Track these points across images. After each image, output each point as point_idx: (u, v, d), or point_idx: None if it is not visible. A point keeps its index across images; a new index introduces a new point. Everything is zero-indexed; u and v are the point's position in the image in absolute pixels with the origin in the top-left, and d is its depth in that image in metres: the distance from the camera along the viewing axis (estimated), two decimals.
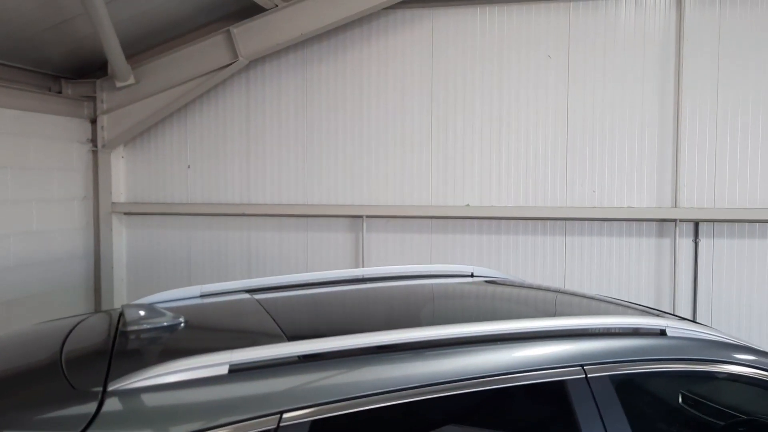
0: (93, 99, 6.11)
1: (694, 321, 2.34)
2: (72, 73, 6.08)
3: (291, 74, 6.06)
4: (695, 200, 5.36)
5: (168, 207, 6.35)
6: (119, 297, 6.41)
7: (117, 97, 6.09)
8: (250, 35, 5.69)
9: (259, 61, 6.02)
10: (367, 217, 5.93)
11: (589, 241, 5.61)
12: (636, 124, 5.44)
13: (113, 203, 6.32)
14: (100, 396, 1.60)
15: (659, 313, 2.54)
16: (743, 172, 5.28)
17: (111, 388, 1.62)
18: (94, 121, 6.15)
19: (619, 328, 2.06)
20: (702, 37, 5.28)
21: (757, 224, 5.29)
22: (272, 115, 6.12)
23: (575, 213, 5.53)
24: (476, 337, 1.88)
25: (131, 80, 5.89)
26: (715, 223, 5.36)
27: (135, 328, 2.03)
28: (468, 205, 5.75)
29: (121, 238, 6.45)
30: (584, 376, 1.84)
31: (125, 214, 6.45)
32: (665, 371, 1.99)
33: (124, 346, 1.93)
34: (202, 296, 2.67)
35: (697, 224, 5.40)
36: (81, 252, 6.10)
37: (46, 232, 5.66)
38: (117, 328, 2.08)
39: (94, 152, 6.20)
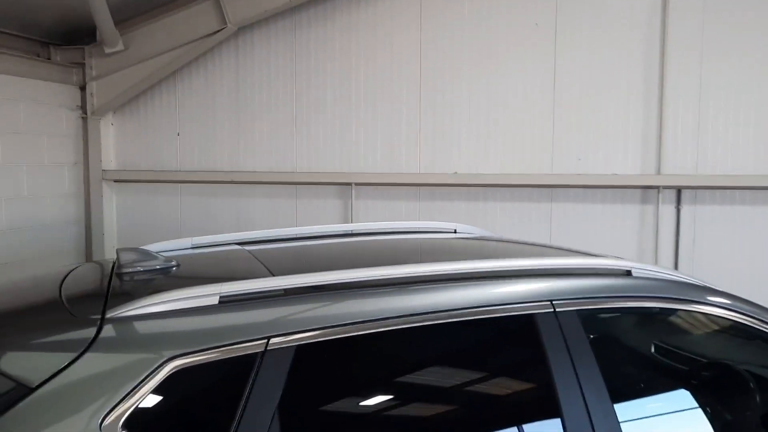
0: (82, 66, 6.13)
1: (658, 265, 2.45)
2: (60, 40, 6.08)
3: (280, 41, 6.09)
4: (678, 167, 5.45)
5: (158, 174, 6.41)
6: None
7: (106, 63, 6.10)
8: (239, 1, 5.71)
9: (248, 28, 6.04)
10: (356, 184, 6.00)
11: (573, 207, 5.71)
12: (621, 92, 5.51)
13: (103, 170, 6.37)
14: (98, 322, 1.68)
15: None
16: (726, 140, 5.37)
17: (109, 315, 1.71)
18: (83, 88, 6.18)
19: (587, 268, 2.16)
20: (687, 4, 5.34)
21: (738, 191, 5.40)
22: (261, 82, 6.16)
23: (560, 180, 5.62)
24: (451, 274, 1.98)
25: (120, 46, 5.91)
26: (698, 190, 5.47)
27: (130, 270, 2.11)
28: (456, 172, 5.83)
29: (111, 205, 6.51)
30: (552, 310, 1.94)
31: (115, 181, 6.50)
32: (630, 308, 2.10)
33: (120, 284, 2.01)
34: (194, 247, 2.76)
35: (679, 191, 5.50)
36: (72, 218, 6.15)
37: (37, 198, 5.71)
38: (112, 270, 2.16)
39: (84, 119, 6.23)
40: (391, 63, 5.89)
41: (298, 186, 6.17)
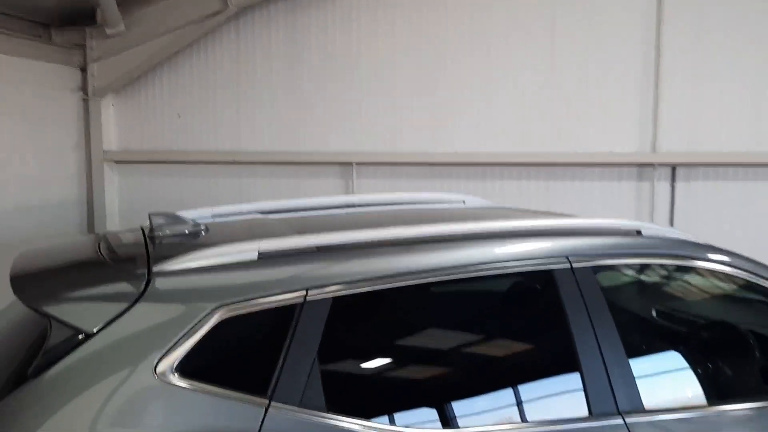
0: (83, 47, 6.16)
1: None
2: (61, 21, 6.09)
3: (281, 22, 6.14)
4: (673, 145, 5.59)
5: (159, 155, 6.46)
6: None
7: (107, 45, 6.13)
8: None
9: (248, 9, 6.09)
10: (357, 164, 6.09)
11: (571, 185, 5.84)
12: (619, 72, 5.63)
13: (104, 151, 6.41)
14: (146, 276, 1.78)
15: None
16: (719, 118, 5.51)
17: (155, 269, 1.80)
18: (84, 70, 6.20)
19: (600, 228, 2.28)
20: None
21: (731, 168, 5.55)
22: (262, 63, 6.22)
23: (559, 158, 5.74)
24: (476, 233, 2.09)
25: (121, 27, 5.94)
26: (692, 167, 5.61)
27: (162, 233, 2.20)
28: (456, 151, 5.94)
29: (113, 186, 6.56)
30: (569, 266, 2.05)
31: (116, 162, 6.54)
32: (640, 264, 2.23)
33: (155, 245, 2.10)
34: (214, 216, 2.84)
35: (674, 168, 5.65)
36: (75, 199, 6.20)
37: (41, 179, 5.75)
38: (145, 234, 2.25)
39: (85, 100, 6.26)
40: (392, 45, 5.96)
41: (299, 166, 6.24)
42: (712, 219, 5.58)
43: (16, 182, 5.45)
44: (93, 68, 6.17)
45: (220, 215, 2.87)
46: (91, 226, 6.32)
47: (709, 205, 5.61)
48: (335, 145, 6.16)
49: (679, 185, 5.64)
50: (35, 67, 5.65)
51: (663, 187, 5.66)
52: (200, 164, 6.42)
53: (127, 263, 1.96)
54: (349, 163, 6.09)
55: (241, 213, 2.89)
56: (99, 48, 6.16)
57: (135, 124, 6.50)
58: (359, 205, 3.17)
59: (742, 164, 5.48)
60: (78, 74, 6.18)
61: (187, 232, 2.25)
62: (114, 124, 6.50)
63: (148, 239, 2.20)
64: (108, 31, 5.93)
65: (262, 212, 2.85)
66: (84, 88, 6.22)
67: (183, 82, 6.38)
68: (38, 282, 1.86)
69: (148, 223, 2.31)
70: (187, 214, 2.81)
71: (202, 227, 2.30)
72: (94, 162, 6.30)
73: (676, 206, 5.65)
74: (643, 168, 5.69)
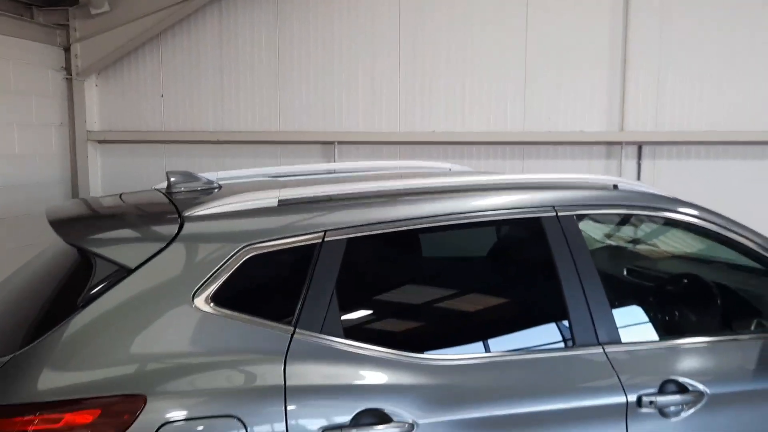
0: (66, 27, 6.21)
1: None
2: (43, 2, 6.13)
3: (263, 4, 6.27)
4: (639, 124, 5.90)
5: (142, 135, 6.55)
6: None
7: (90, 25, 6.19)
8: None
9: None
10: (339, 143, 6.27)
11: (544, 164, 6.11)
12: (588, 55, 5.90)
13: (88, 131, 6.47)
14: (179, 219, 1.97)
15: None
16: (683, 99, 5.82)
17: (186, 214, 1.99)
18: (67, 49, 6.26)
19: (581, 183, 2.53)
20: None
21: (693, 146, 5.88)
22: (245, 44, 6.34)
23: (531, 137, 6.00)
24: (474, 185, 2.32)
25: (106, 7, 6.01)
26: (656, 145, 5.93)
27: (182, 188, 2.37)
28: (434, 131, 6.16)
29: (96, 166, 6.63)
30: (555, 214, 2.30)
31: (99, 142, 6.61)
32: (617, 214, 2.50)
33: (180, 197, 2.28)
34: (219, 180, 3.02)
35: (640, 147, 5.96)
36: (59, 178, 6.27)
37: (27, 156, 5.81)
38: (165, 190, 2.42)
39: (68, 80, 6.31)
40: (372, 26, 6.14)
41: (281, 145, 6.40)
42: (676, 195, 5.89)
43: (5, 158, 5.51)
44: (76, 48, 6.22)
45: (226, 178, 3.04)
46: None
47: (673, 182, 5.93)
48: (317, 125, 6.33)
49: (645, 163, 5.96)
50: (19, 45, 5.69)
51: (630, 164, 5.97)
52: (184, 144, 6.53)
53: (158, 211, 2.14)
54: (331, 143, 6.27)
55: (247, 176, 3.07)
56: (82, 28, 6.22)
57: (118, 104, 6.58)
58: (358, 171, 3.38)
59: (704, 143, 5.81)
60: (61, 54, 6.23)
61: (200, 188, 2.44)
62: (97, 103, 6.56)
63: (170, 194, 2.38)
64: (93, 10, 6.00)
65: (268, 175, 3.04)
66: (67, 68, 6.28)
67: (166, 62, 6.47)
68: (79, 226, 2.03)
69: (157, 186, 2.50)
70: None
71: (215, 184, 2.49)
72: (78, 141, 6.37)
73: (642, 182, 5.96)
74: (611, 146, 5.99)
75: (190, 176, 2.47)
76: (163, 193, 2.43)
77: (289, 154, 6.40)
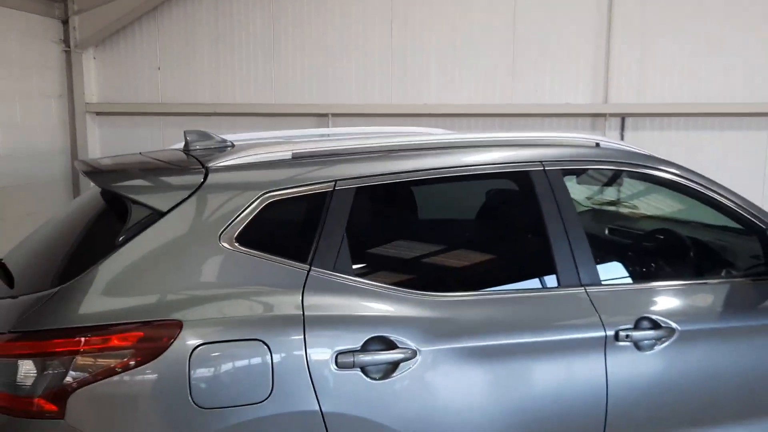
0: (64, 0, 6.31)
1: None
2: None
3: None
4: (623, 97, 6.13)
5: (139, 107, 6.69)
6: None
7: None
8: None
9: None
10: (333, 115, 6.46)
11: None
12: (575, 30, 6.11)
13: (86, 103, 6.61)
14: (203, 170, 2.17)
15: None
16: (663, 73, 6.06)
17: (210, 165, 2.20)
18: (65, 22, 6.37)
19: (566, 141, 2.75)
20: None
21: (673, 118, 6.13)
22: (240, 17, 6.48)
23: (520, 110, 6.22)
24: (471, 142, 2.54)
25: None
26: (639, 117, 6.17)
27: (197, 146, 2.57)
28: (425, 103, 6.36)
29: (95, 137, 6.77)
30: (543, 169, 2.52)
31: (97, 113, 6.75)
32: (599, 169, 2.73)
33: (198, 153, 2.47)
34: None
35: (623, 119, 6.20)
36: (59, 148, 6.42)
37: (29, 127, 5.95)
38: (183, 148, 2.61)
39: (67, 52, 6.43)
40: (363, 5, 6.30)
41: (277, 117, 6.57)
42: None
43: (8, 128, 5.64)
44: (74, 21, 6.34)
45: (238, 139, 3.22)
46: (75, 174, 6.55)
47: (654, 152, 6.17)
48: (312, 98, 6.51)
49: (628, 134, 6.20)
50: (20, 17, 5.80)
51: (613, 136, 6.20)
52: (180, 116, 6.68)
53: (182, 163, 2.34)
54: (326, 114, 6.46)
55: (257, 138, 3.24)
56: (80, 0, 6.32)
57: (116, 77, 6.71)
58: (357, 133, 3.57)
59: (684, 114, 6.07)
60: (59, 26, 6.34)
61: (214, 146, 2.63)
62: (95, 76, 6.69)
63: (185, 151, 2.58)
64: None
65: (275, 137, 3.23)
66: (66, 40, 6.39)
67: (163, 35, 6.60)
68: (114, 175, 2.24)
69: (173, 146, 2.69)
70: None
71: (228, 143, 2.68)
72: (77, 113, 6.51)
73: None
74: (596, 118, 6.23)
75: (205, 135, 2.65)
76: (182, 151, 2.62)
77: (284, 125, 6.56)
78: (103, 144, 6.81)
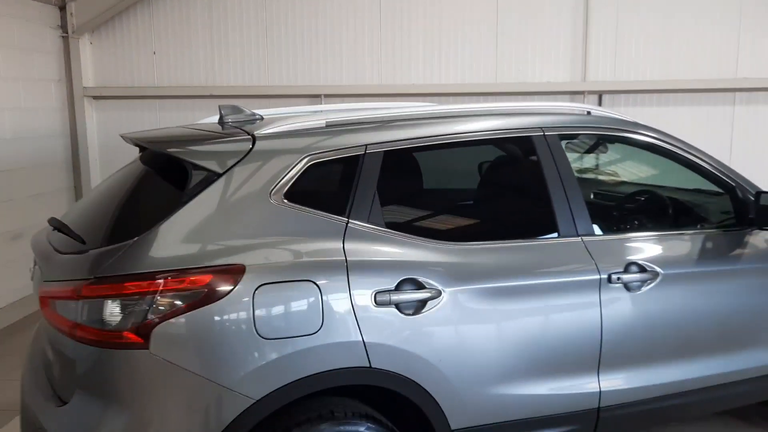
0: None
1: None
2: None
3: None
4: (600, 75, 6.52)
5: (136, 90, 6.88)
6: (95, 176, 6.99)
7: None
8: None
9: None
10: (325, 96, 6.72)
11: None
12: (554, 12, 6.47)
13: (84, 87, 6.78)
14: (251, 137, 2.47)
15: None
16: (637, 52, 6.46)
17: (255, 133, 2.49)
18: (62, 8, 6.52)
19: (562, 110, 3.10)
20: None
21: (647, 94, 6.54)
22: (233, 2, 6.69)
23: (503, 88, 6.56)
24: (481, 112, 2.88)
25: None
26: (615, 94, 6.57)
27: (230, 119, 2.85)
28: (413, 83, 6.67)
29: (92, 121, 6.95)
30: (543, 134, 2.87)
31: (94, 98, 6.92)
32: (591, 134, 3.09)
33: (234, 123, 2.75)
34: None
35: (600, 96, 6.59)
36: (59, 131, 6.59)
37: (31, 110, 6.12)
38: (218, 120, 2.89)
39: (64, 38, 6.59)
40: None
41: (271, 99, 6.81)
42: None
43: (12, 111, 5.81)
44: (71, 6, 6.49)
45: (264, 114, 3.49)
46: (75, 157, 6.74)
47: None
48: (304, 79, 6.76)
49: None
50: (17, 3, 5.93)
51: None
52: (176, 98, 6.89)
53: (230, 132, 2.62)
54: (318, 96, 6.73)
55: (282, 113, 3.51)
56: None
57: (112, 61, 6.88)
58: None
59: (657, 91, 6.48)
60: (56, 12, 6.49)
61: (245, 119, 2.91)
62: (92, 61, 6.86)
63: (220, 123, 2.86)
64: None
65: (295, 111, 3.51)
66: (63, 26, 6.54)
67: (158, 20, 6.79)
68: (173, 143, 2.51)
69: (204, 119, 2.98)
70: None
71: (258, 116, 2.97)
72: (75, 97, 6.68)
73: None
74: (574, 95, 6.60)
75: (237, 109, 2.93)
76: (218, 123, 2.91)
77: (278, 107, 6.80)
78: (100, 127, 6.99)
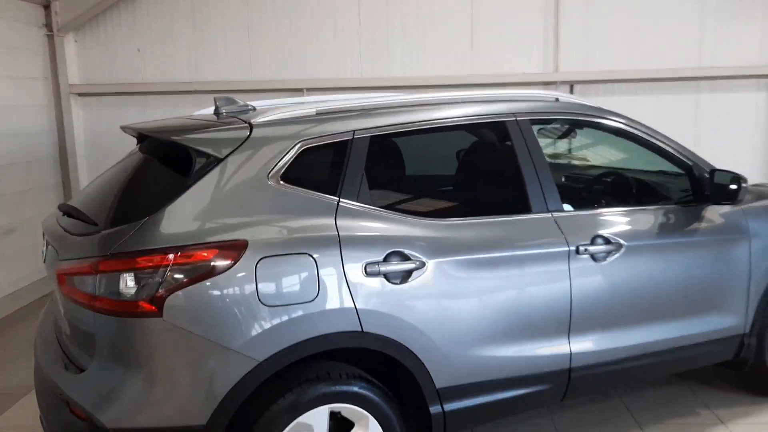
0: None
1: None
2: None
3: None
4: (571, 66, 6.81)
5: (121, 87, 7.03)
6: (82, 171, 7.14)
7: None
8: None
9: None
10: (307, 90, 6.94)
11: None
12: (527, 7, 6.75)
13: (70, 84, 6.91)
14: (248, 125, 2.69)
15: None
16: (606, 44, 6.76)
17: (251, 121, 2.71)
18: (47, 7, 6.65)
19: (533, 97, 3.36)
20: None
21: (616, 84, 6.84)
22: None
23: (479, 80, 6.83)
24: (459, 99, 3.13)
25: None
26: (585, 84, 6.87)
27: (224, 110, 3.05)
28: (393, 76, 6.90)
29: (79, 118, 7.09)
30: (515, 119, 3.12)
31: (79, 95, 7.06)
32: (560, 119, 3.36)
33: (228, 114, 2.97)
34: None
35: (572, 86, 6.88)
36: (46, 128, 6.72)
37: (20, 107, 6.25)
38: (215, 112, 3.10)
39: (50, 36, 6.72)
40: None
41: (255, 93, 6.99)
42: None
43: (2, 109, 5.95)
44: (56, 6, 6.62)
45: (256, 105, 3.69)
46: (63, 153, 6.87)
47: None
48: (287, 73, 6.97)
49: None
50: (3, 2, 6.05)
51: None
52: (161, 95, 7.05)
53: (228, 121, 2.83)
54: (300, 89, 6.94)
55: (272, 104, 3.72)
56: None
57: (97, 59, 7.03)
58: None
59: (626, 80, 6.79)
60: (41, 11, 6.61)
61: (238, 110, 3.12)
62: (76, 59, 6.99)
63: (215, 113, 3.07)
64: None
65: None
66: (48, 25, 6.67)
67: (141, 18, 6.94)
68: (176, 131, 2.73)
69: (198, 112, 3.19)
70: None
71: (250, 106, 3.18)
72: (62, 94, 6.81)
73: None
74: (547, 86, 6.89)
75: (231, 100, 3.13)
76: (213, 113, 3.12)
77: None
78: (86, 123, 7.13)
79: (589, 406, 3.89)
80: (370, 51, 6.90)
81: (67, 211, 2.87)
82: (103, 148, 7.18)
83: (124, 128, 3.15)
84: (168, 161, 2.78)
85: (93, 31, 6.97)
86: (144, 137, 3.17)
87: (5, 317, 5.86)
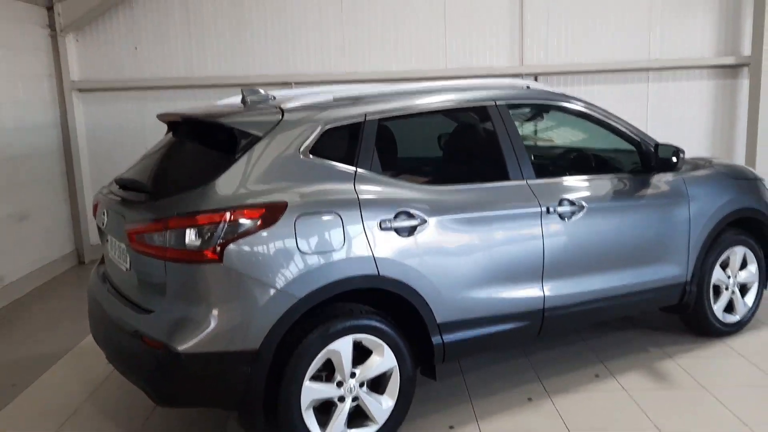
0: None
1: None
2: None
3: None
4: (535, 59, 7.51)
5: (120, 83, 7.51)
6: (84, 163, 7.60)
7: None
8: None
9: None
10: (295, 83, 7.50)
11: None
12: (494, 5, 7.43)
13: (72, 81, 7.37)
14: (280, 110, 3.28)
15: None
16: (567, 39, 7.48)
17: (283, 106, 3.30)
18: (50, 9, 7.09)
19: (506, 85, 4.02)
20: None
21: (577, 75, 7.57)
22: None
23: (452, 73, 7.48)
24: (448, 87, 3.76)
25: None
26: (549, 75, 7.58)
27: (250, 98, 3.61)
28: (374, 71, 7.52)
29: (81, 113, 7.55)
30: (495, 104, 3.78)
31: (81, 91, 7.52)
32: (532, 103, 4.04)
33: (253, 102, 3.53)
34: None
35: (536, 77, 7.59)
36: (52, 122, 7.17)
37: (28, 103, 6.70)
38: (242, 100, 3.67)
39: (53, 36, 7.16)
40: None
41: (246, 87, 7.52)
42: None
43: (11, 104, 6.39)
44: (58, 7, 7.07)
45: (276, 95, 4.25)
46: (66, 144, 7.32)
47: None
48: (276, 69, 7.53)
49: None
50: (8, 4, 6.47)
51: None
52: (158, 89, 7.55)
53: (260, 106, 3.41)
54: (289, 83, 7.50)
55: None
56: None
57: (97, 57, 7.49)
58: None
59: (584, 72, 7.52)
60: (44, 12, 7.05)
61: (260, 99, 3.69)
62: (78, 57, 7.44)
63: (242, 102, 3.65)
64: None
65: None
66: (51, 25, 7.12)
67: (139, 18, 7.43)
68: (219, 115, 3.30)
69: (223, 101, 3.78)
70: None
71: (270, 96, 3.76)
72: (65, 91, 7.26)
73: None
74: (514, 78, 7.57)
75: (255, 91, 3.68)
76: (241, 102, 3.69)
77: None
78: (87, 118, 7.59)
79: (559, 348, 4.58)
80: (353, 47, 7.51)
81: (126, 184, 3.42)
82: (102, 141, 7.65)
83: (160, 116, 3.70)
84: (208, 141, 3.35)
85: (93, 31, 7.42)
86: (175, 125, 3.73)
87: (26, 294, 6.32)
